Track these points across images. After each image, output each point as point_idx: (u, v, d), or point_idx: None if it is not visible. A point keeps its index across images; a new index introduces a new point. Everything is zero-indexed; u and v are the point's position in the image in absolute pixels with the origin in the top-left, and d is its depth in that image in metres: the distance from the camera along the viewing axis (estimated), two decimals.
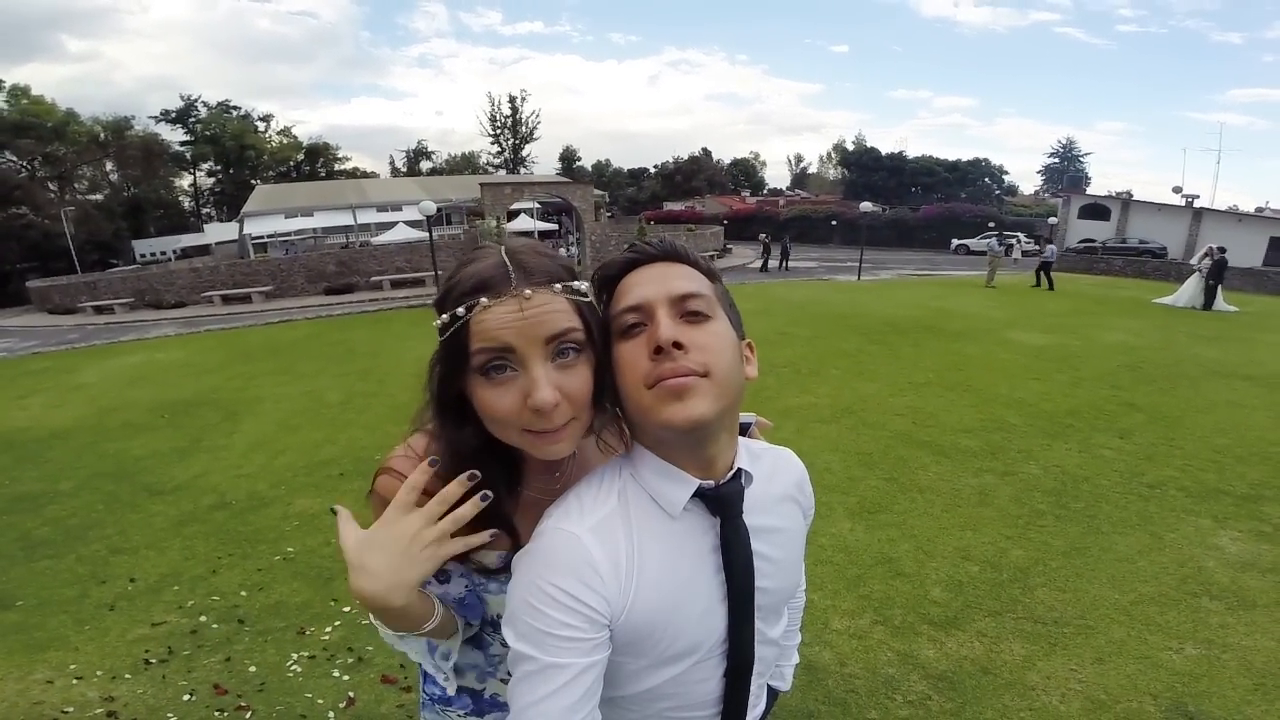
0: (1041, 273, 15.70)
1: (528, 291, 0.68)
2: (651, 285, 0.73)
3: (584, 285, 0.75)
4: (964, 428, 5.11)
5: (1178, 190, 27.30)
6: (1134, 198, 27.06)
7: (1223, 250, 12.57)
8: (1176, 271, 17.51)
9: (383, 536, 0.70)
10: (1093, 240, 25.91)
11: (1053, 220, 27.56)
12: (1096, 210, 27.70)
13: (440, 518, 0.71)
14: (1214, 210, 25.40)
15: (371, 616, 0.77)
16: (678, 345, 0.68)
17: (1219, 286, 12.32)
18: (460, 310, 0.69)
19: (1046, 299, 13.56)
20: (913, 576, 3.07)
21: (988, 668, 2.44)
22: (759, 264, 22.88)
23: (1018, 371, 6.92)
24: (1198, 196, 26.16)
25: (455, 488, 0.72)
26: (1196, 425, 5.15)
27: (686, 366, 0.68)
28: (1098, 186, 45.58)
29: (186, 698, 2.43)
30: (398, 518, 0.71)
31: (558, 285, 0.71)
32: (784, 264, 22.72)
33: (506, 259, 0.71)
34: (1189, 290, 12.66)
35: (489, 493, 0.73)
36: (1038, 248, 16.75)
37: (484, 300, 0.68)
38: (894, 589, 2.97)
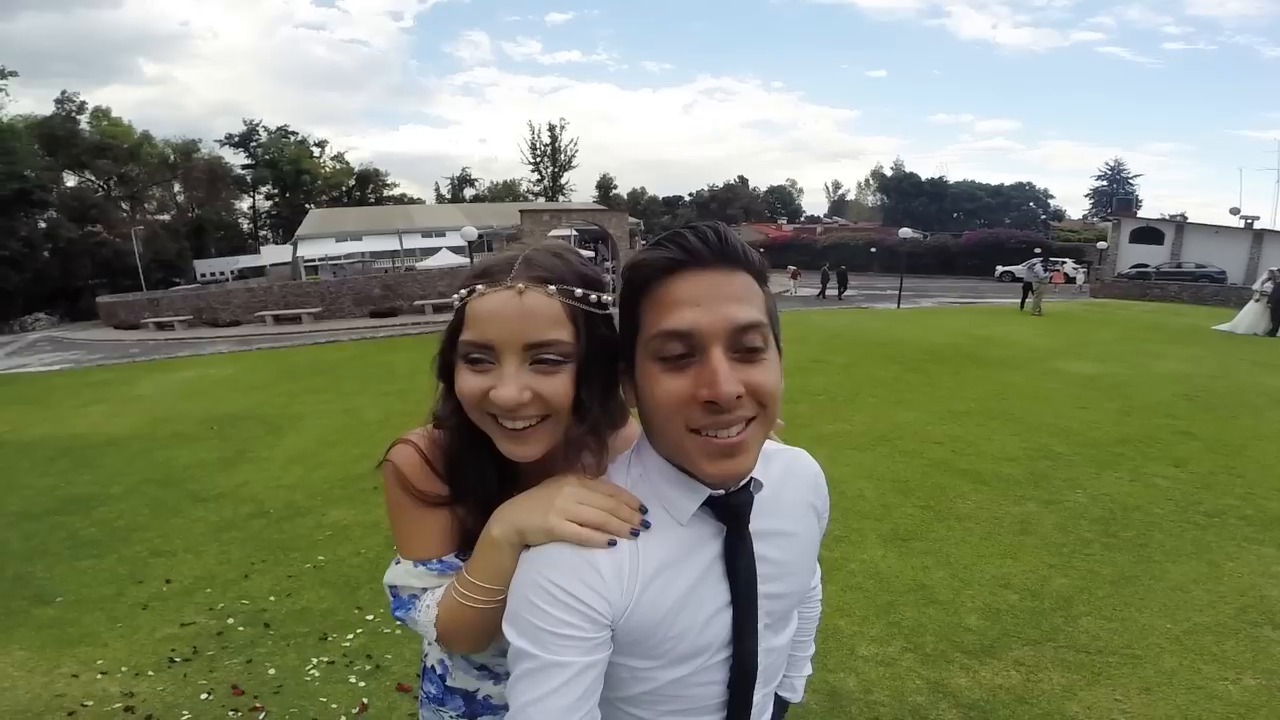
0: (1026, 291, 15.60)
1: (521, 285, 0.69)
2: (705, 309, 0.62)
3: (585, 293, 0.72)
4: (1006, 456, 4.91)
5: (1235, 211, 26.17)
6: (1188, 220, 26.10)
7: None
8: (1237, 296, 16.66)
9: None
10: (1146, 265, 25.02)
11: (1102, 245, 26.72)
12: (1149, 234, 26.80)
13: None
14: (1276, 232, 24.25)
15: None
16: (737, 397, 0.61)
17: None
18: (463, 291, 0.73)
19: (1097, 327, 13.05)
20: (947, 604, 2.94)
21: (1024, 697, 2.31)
22: (817, 291, 22.78)
23: (1064, 400, 6.64)
24: (1258, 218, 25.04)
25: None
26: (1260, 454, 4.85)
27: (741, 420, 0.63)
28: (1149, 209, 44.30)
29: (204, 696, 2.47)
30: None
31: (553, 287, 0.70)
32: (824, 292, 22.40)
33: (520, 254, 0.73)
34: (1249, 316, 12.04)
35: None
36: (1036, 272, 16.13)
37: (480, 287, 0.71)
38: (926, 616, 2.85)
